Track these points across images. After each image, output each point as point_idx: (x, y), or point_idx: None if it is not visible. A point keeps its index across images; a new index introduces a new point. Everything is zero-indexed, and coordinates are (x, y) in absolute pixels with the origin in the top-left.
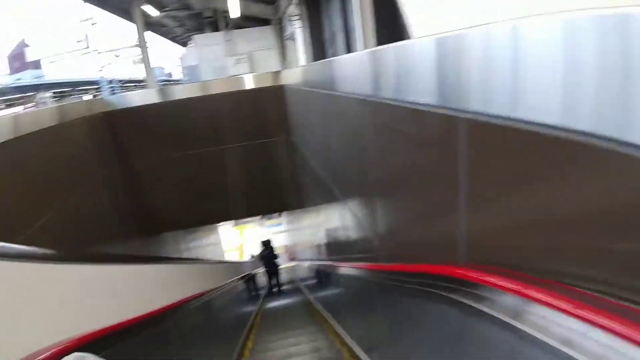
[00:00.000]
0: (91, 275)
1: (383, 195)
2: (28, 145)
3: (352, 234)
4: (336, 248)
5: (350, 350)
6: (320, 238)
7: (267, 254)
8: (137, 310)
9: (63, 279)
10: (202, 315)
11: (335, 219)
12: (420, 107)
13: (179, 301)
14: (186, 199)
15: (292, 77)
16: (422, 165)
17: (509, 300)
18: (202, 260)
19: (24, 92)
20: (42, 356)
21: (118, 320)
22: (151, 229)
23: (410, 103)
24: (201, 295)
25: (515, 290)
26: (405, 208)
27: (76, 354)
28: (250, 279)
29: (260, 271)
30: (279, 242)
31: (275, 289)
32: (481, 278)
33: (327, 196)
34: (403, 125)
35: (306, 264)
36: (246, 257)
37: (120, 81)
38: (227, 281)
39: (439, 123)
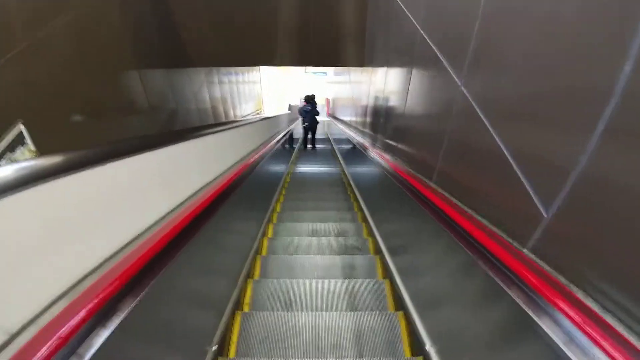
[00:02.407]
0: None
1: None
2: None
3: (466, 145)
4: (405, 137)
5: (375, 244)
6: (379, 107)
7: (309, 110)
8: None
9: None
10: (240, 185)
11: (422, 98)
12: None
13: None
14: (225, 32)
15: None
16: None
17: None
18: (239, 122)
19: None
20: None
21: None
22: (178, 61)
23: None
24: (238, 173)
25: None
26: None
27: None
28: (287, 135)
29: (298, 125)
30: (320, 93)
31: (310, 146)
32: None
33: (419, 63)
34: None
35: (346, 128)
36: (284, 108)
37: None
38: (265, 144)
39: None
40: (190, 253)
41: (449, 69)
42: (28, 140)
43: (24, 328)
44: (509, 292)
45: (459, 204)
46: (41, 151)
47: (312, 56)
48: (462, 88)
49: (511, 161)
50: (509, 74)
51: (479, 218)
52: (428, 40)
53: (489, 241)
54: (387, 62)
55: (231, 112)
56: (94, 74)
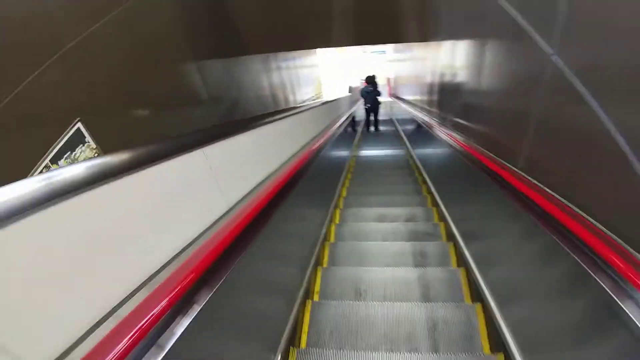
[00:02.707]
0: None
1: None
2: None
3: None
4: (480, 116)
5: (448, 230)
6: (446, 83)
7: (370, 91)
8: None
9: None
10: (306, 172)
11: (501, 72)
12: None
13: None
14: (279, 16)
15: None
16: None
17: None
18: (300, 108)
19: None
20: None
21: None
22: (235, 50)
23: None
24: (304, 159)
25: None
26: None
27: None
28: (349, 118)
29: (360, 107)
30: (381, 72)
31: (372, 128)
32: None
33: (495, 31)
34: None
35: (410, 107)
36: (344, 91)
37: None
38: (328, 129)
39: None
40: (261, 242)
41: (534, 35)
42: (88, 138)
43: (103, 320)
44: (615, 296)
45: (552, 193)
46: (103, 149)
47: (370, 34)
48: (554, 57)
49: (626, 147)
50: (623, 34)
51: (578, 212)
52: (507, 3)
53: (586, 234)
54: (455, 34)
55: (291, 98)
56: (150, 67)
